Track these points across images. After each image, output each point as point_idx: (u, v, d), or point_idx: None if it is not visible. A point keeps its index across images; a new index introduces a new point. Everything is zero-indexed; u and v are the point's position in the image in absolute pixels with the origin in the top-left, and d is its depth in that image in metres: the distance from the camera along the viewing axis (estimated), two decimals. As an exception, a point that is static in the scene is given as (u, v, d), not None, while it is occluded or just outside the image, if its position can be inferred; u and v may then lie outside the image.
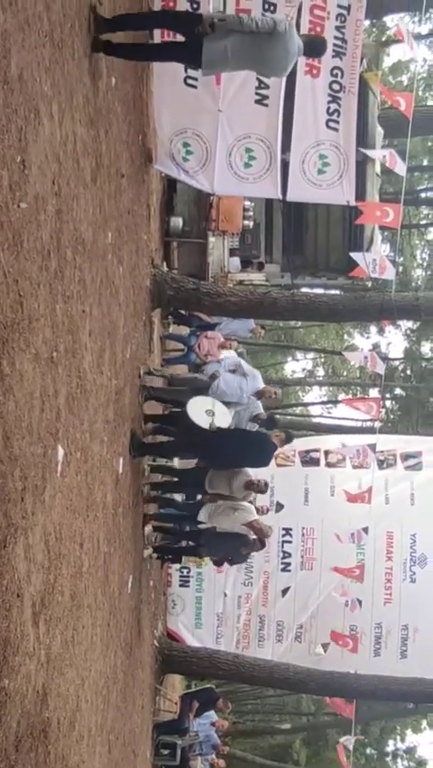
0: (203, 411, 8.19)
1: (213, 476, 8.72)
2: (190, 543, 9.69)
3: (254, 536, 8.98)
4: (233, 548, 9.22)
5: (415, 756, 31.67)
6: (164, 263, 11.13)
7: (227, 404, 8.89)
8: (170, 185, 11.38)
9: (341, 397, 33.47)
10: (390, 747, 31.59)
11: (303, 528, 12.06)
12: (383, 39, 24.21)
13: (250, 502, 9.04)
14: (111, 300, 5.94)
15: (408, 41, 9.15)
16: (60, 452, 4.09)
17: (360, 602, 11.54)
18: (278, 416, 11.27)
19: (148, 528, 9.03)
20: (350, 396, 30.74)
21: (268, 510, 10.35)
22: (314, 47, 6.31)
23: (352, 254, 9.99)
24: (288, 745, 29.67)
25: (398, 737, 31.67)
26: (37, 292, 3.60)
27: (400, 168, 8.98)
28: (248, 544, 9.07)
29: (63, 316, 4.14)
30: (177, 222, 11.67)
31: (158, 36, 7.69)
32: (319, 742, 28.72)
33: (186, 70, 7.97)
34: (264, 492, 9.65)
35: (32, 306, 3.51)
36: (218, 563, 10.33)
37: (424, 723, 30.73)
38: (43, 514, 3.73)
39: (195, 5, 7.84)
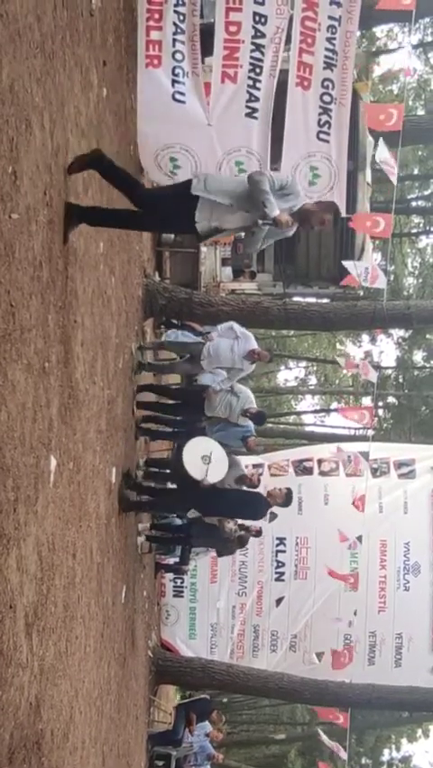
0: (199, 457, 8.00)
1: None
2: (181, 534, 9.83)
3: (241, 533, 9.13)
4: (222, 539, 9.27)
5: (410, 766, 31.63)
6: (156, 273, 11.14)
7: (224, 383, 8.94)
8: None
9: (334, 405, 33.53)
10: (385, 757, 31.54)
11: (297, 538, 12.05)
12: (373, 49, 24.38)
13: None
14: (103, 310, 5.94)
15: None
16: (53, 462, 4.08)
17: (354, 612, 11.54)
18: (265, 412, 11.23)
19: (142, 525, 9.15)
20: (343, 404, 30.81)
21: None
22: None
23: (343, 263, 10.01)
24: (283, 755, 29.58)
25: (393, 747, 31.62)
26: (29, 303, 3.61)
27: (391, 177, 9.02)
28: (242, 539, 9.21)
29: (55, 327, 4.14)
30: (169, 230, 11.68)
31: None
32: (315, 752, 28.62)
33: (173, 85, 7.97)
34: (256, 486, 9.75)
35: (23, 317, 3.51)
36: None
37: (419, 732, 30.72)
38: (36, 524, 3.72)
39: (178, 34, 7.79)
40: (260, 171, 5.23)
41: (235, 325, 9.11)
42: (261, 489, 11.52)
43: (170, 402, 10.12)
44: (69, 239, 4.50)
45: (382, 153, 8.87)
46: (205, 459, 7.92)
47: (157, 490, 8.92)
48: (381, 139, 9.09)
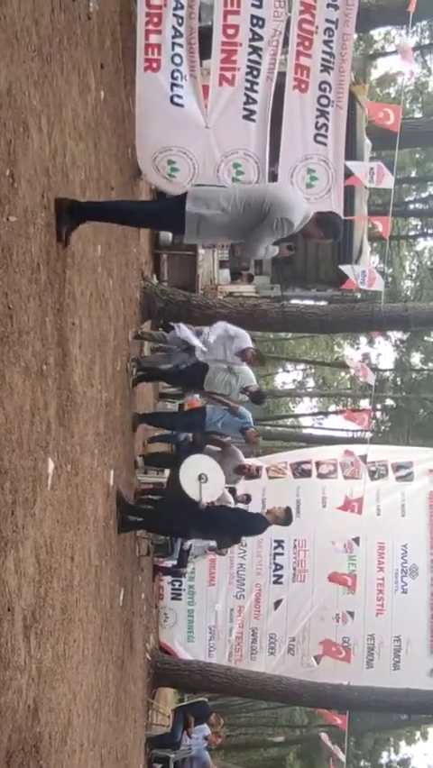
0: (195, 476, 7.84)
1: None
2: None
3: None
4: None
5: (409, 768, 31.62)
6: (154, 276, 11.15)
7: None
8: (160, 197, 11.41)
9: (332, 408, 33.56)
10: (383, 759, 31.53)
11: (295, 540, 12.05)
12: (371, 52, 24.41)
13: None
14: (101, 313, 5.94)
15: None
16: (51, 465, 4.08)
17: (351, 614, 11.54)
18: (265, 392, 11.26)
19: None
20: (341, 407, 30.83)
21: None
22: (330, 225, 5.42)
23: (341, 266, 10.02)
24: (282, 758, 29.56)
25: (391, 749, 31.62)
26: (27, 305, 3.60)
27: (388, 180, 9.02)
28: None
29: (53, 329, 4.14)
30: (166, 234, 11.68)
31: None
32: (313, 754, 28.62)
33: (172, 89, 7.96)
34: (255, 477, 9.75)
35: (21, 320, 3.51)
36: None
37: (418, 734, 30.70)
38: (34, 527, 3.72)
39: (177, 38, 7.78)
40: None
41: (229, 326, 9.14)
42: (259, 492, 11.58)
43: (170, 385, 10.17)
44: (67, 241, 4.50)
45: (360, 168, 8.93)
46: (202, 477, 7.77)
47: (153, 510, 8.83)
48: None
